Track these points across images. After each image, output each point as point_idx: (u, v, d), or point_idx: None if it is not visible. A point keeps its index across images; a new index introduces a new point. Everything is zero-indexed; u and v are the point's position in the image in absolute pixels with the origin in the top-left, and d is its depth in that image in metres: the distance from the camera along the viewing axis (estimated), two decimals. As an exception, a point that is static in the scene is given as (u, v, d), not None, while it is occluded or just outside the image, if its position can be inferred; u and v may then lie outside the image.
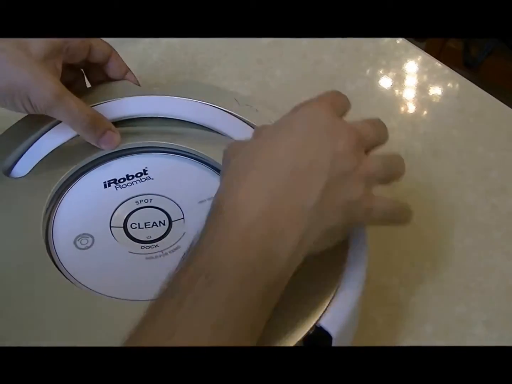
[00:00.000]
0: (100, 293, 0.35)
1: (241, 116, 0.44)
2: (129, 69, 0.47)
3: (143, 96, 0.45)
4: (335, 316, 0.33)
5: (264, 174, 0.31)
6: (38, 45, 0.39)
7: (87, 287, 0.36)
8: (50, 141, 0.42)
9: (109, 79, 0.47)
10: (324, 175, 0.31)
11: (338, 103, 0.36)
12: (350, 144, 0.32)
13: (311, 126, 0.33)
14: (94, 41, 0.44)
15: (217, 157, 0.42)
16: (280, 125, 0.34)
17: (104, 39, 0.46)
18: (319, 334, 0.33)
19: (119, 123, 0.44)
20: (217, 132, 0.44)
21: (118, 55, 0.46)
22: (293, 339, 0.32)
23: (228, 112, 0.45)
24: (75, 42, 0.43)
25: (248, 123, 0.44)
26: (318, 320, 0.33)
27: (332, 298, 0.34)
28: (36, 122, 0.43)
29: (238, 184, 0.31)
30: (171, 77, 0.45)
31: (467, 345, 0.42)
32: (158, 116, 0.45)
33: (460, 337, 0.43)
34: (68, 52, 0.42)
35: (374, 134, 0.35)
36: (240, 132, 0.44)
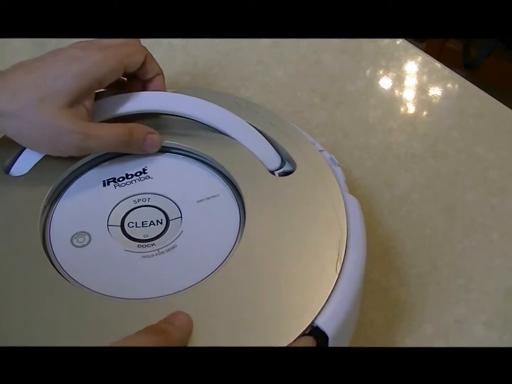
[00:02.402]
0: (95, 292, 0.35)
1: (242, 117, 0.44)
2: (161, 72, 0.45)
3: (142, 92, 0.45)
4: (332, 315, 0.33)
5: None
6: (65, 92, 0.38)
7: (83, 285, 0.35)
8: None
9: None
10: None
11: None
12: None
13: None
14: (128, 59, 0.41)
15: (216, 157, 0.42)
16: None
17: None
18: (315, 334, 0.33)
19: (118, 121, 0.44)
20: (217, 132, 0.44)
21: (152, 58, 0.44)
22: (288, 339, 0.32)
23: (231, 112, 0.44)
24: (109, 75, 0.40)
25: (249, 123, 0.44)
26: (314, 320, 0.33)
27: (329, 297, 0.34)
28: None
29: None
30: (172, 77, 0.45)
31: (467, 346, 0.42)
32: (157, 111, 0.44)
33: (460, 338, 0.43)
34: (102, 85, 0.41)
35: None
36: (240, 131, 0.44)
